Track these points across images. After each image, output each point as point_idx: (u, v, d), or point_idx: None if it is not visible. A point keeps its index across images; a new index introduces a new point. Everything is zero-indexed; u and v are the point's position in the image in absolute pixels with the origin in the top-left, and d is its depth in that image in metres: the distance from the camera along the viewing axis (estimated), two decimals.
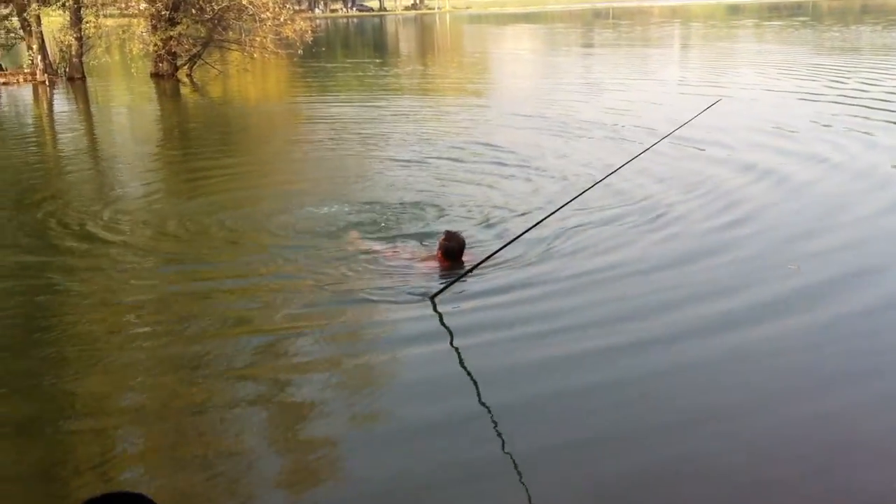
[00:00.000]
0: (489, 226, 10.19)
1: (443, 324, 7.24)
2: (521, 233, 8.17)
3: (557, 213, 8.57)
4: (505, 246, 8.10)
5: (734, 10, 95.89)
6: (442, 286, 7.64)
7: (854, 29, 52.56)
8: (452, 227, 9.28)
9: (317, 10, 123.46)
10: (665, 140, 10.55)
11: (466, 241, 8.61)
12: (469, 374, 6.39)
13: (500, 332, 7.01)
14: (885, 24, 54.47)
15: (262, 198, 12.21)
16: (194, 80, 32.43)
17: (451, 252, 8.32)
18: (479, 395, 6.05)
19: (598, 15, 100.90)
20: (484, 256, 8.14)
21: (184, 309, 7.76)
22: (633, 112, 19.46)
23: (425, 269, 8.42)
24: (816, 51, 37.42)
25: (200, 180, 13.85)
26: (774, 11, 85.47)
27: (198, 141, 19.73)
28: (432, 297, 7.56)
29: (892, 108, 18.31)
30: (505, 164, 13.89)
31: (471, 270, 7.92)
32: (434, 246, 8.76)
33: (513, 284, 8.01)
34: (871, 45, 38.60)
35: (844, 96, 20.46)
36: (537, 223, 8.24)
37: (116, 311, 7.81)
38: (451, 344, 6.90)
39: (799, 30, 54.34)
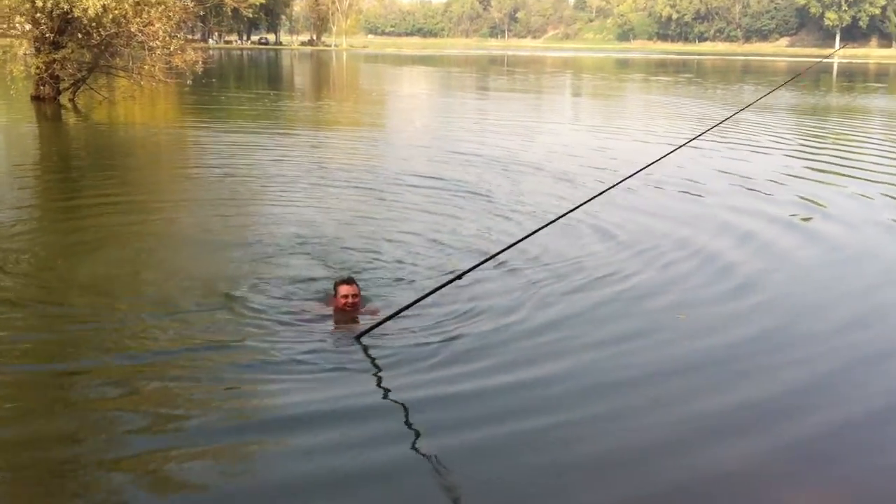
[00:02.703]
0: (379, 268, 9.86)
1: (373, 362, 7.15)
2: (440, 285, 7.75)
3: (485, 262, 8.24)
4: (427, 295, 7.68)
5: (622, 65, 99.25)
6: (368, 327, 7.48)
7: (737, 87, 54.87)
8: (346, 268, 9.13)
9: (210, 41, 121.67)
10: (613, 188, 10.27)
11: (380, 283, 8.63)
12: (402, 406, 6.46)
13: (428, 367, 7.05)
14: (766, 83, 57.15)
15: (144, 233, 11.54)
16: (77, 105, 31.15)
17: (351, 305, 7.98)
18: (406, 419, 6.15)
19: (494, 61, 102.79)
20: (397, 305, 7.81)
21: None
22: (552, 158, 19.52)
23: (325, 316, 8.06)
24: (709, 104, 38.79)
25: (74, 211, 13.07)
26: (661, 68, 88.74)
27: (76, 169, 18.75)
28: (357, 337, 7.46)
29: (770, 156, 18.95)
30: (390, 199, 13.84)
31: (399, 312, 7.51)
32: (328, 292, 8.43)
33: (436, 326, 7.91)
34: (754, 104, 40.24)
35: (754, 147, 21.13)
36: (457, 276, 7.67)
37: None
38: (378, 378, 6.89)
39: (685, 85, 56.40)
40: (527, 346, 7.67)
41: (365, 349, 7.32)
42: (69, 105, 30.86)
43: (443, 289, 7.64)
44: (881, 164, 19.76)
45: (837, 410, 6.70)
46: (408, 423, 6.18)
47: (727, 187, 16.27)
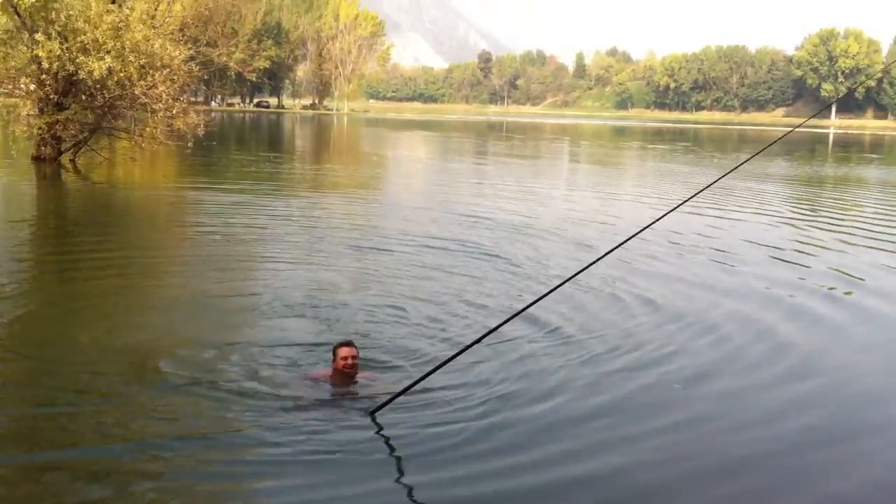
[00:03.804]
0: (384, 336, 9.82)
1: (386, 441, 7.00)
2: (457, 352, 7.64)
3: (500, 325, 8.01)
4: (445, 363, 7.54)
5: (620, 132, 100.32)
6: (383, 402, 7.36)
7: (733, 155, 55.37)
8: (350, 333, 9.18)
9: (213, 104, 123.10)
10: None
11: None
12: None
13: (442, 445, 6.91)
14: (763, 153, 57.71)
15: (140, 297, 11.62)
16: (78, 165, 31.35)
17: (350, 367, 8.00)
18: None
19: (493, 127, 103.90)
20: (414, 376, 7.75)
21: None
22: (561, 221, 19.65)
23: (324, 383, 8.05)
24: (708, 171, 39.13)
25: (69, 272, 13.10)
26: (658, 136, 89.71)
27: (73, 228, 18.86)
28: (372, 413, 7.33)
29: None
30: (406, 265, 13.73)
31: (413, 385, 7.40)
32: (327, 359, 8.37)
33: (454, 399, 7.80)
34: (748, 172, 40.55)
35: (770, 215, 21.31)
36: (475, 342, 7.67)
37: None
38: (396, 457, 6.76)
39: (683, 153, 56.96)
40: (557, 431, 7.42)
41: (379, 428, 7.18)
42: (69, 165, 31.05)
43: (460, 356, 7.50)
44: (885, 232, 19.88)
45: None
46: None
47: (753, 254, 16.52)
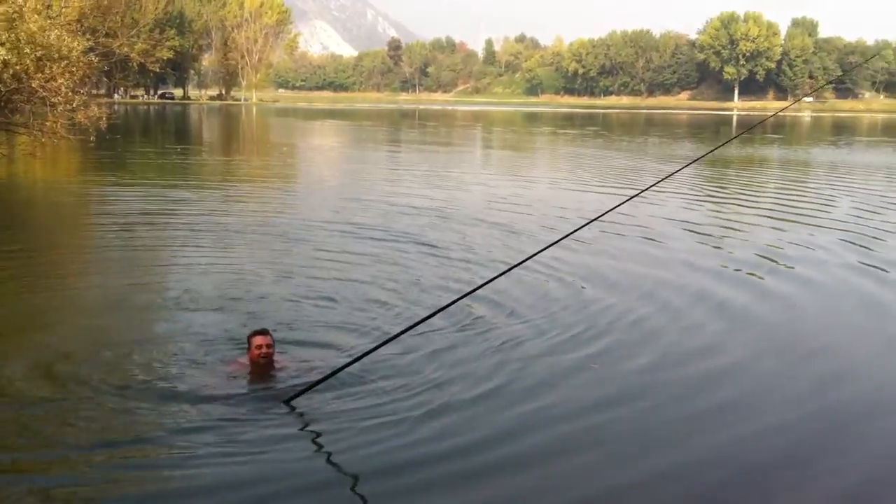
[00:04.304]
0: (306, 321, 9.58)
1: (304, 429, 6.84)
2: (377, 344, 7.54)
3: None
4: (365, 354, 7.41)
5: (531, 118, 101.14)
6: (299, 390, 7.20)
7: (641, 139, 56.35)
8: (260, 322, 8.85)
9: (116, 96, 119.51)
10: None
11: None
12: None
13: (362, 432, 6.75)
14: (668, 136, 58.97)
15: (46, 296, 10.94)
16: None
17: (265, 355, 7.83)
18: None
19: (405, 115, 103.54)
20: (338, 362, 7.65)
21: None
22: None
23: (241, 374, 7.83)
24: (619, 155, 39.67)
25: None
26: (568, 121, 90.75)
27: None
28: (287, 401, 7.15)
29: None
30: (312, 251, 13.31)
31: (332, 375, 7.26)
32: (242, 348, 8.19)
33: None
34: (656, 155, 41.25)
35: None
36: (394, 336, 7.59)
37: None
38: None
39: (593, 138, 57.68)
40: (473, 409, 7.37)
41: (296, 414, 7.02)
42: None
43: (381, 348, 7.39)
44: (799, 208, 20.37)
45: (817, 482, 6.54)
46: (345, 494, 5.91)
47: (680, 235, 16.63)
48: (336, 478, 6.11)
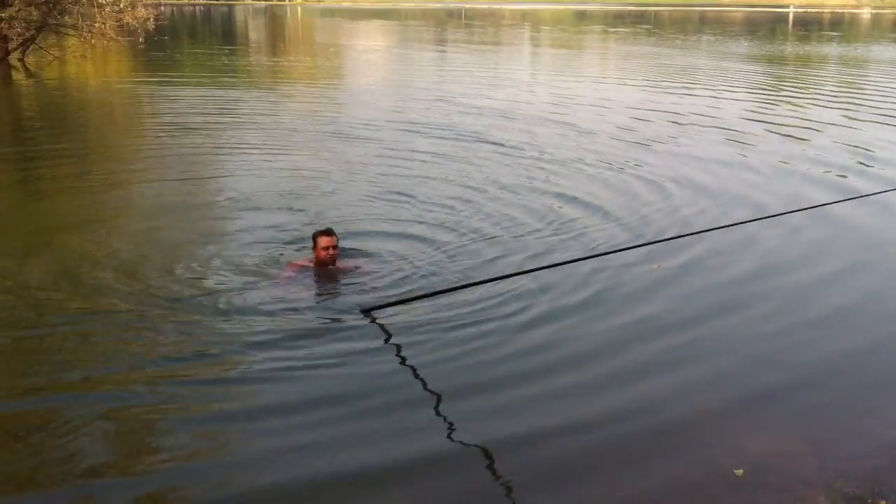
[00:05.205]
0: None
1: (380, 332, 6.48)
2: (472, 282, 7.17)
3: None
4: (455, 289, 7.02)
5: (581, 17, 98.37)
6: (384, 303, 6.83)
7: (695, 38, 54.41)
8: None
9: None
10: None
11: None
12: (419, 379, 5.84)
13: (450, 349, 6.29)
14: (723, 34, 56.89)
15: (109, 201, 10.66)
16: (27, 65, 29.68)
17: (331, 256, 7.55)
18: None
19: (451, 14, 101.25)
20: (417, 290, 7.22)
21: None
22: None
23: (308, 273, 7.54)
24: (676, 53, 38.34)
25: (32, 180, 12.10)
26: (619, 19, 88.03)
27: (29, 132, 17.62)
28: (366, 311, 6.76)
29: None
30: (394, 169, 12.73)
31: (417, 298, 6.89)
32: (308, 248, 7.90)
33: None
34: (711, 52, 39.81)
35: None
36: (495, 279, 7.21)
37: None
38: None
39: (645, 36, 55.85)
40: (564, 322, 6.87)
41: (379, 325, 6.61)
42: (19, 66, 29.40)
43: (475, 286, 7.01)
44: None
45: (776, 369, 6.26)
46: (433, 412, 5.49)
47: (765, 135, 15.84)
48: (422, 396, 5.68)
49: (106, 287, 7.28)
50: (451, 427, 5.27)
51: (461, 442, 5.11)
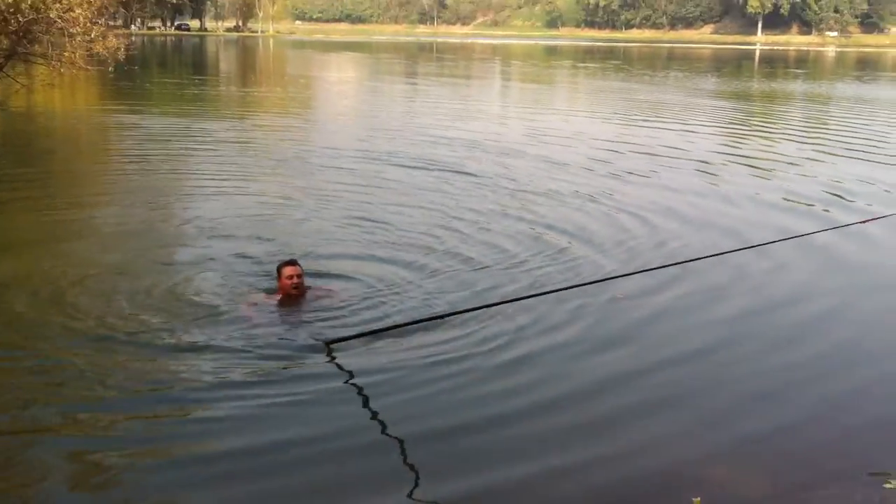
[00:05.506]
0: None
1: (342, 369, 6.23)
2: (443, 314, 7.09)
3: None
4: (422, 321, 6.87)
5: (551, 51, 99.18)
6: (346, 336, 6.61)
7: (662, 73, 54.96)
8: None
9: (133, 27, 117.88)
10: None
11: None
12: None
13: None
14: (691, 70, 57.54)
15: (67, 229, 10.36)
16: None
17: (296, 286, 7.39)
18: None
19: (423, 48, 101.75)
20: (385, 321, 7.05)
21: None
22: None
23: (272, 307, 7.32)
24: (642, 88, 38.65)
25: None
26: (589, 54, 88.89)
27: None
28: (328, 343, 6.52)
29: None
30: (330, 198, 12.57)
31: (381, 331, 6.72)
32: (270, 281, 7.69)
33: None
34: (679, 87, 40.18)
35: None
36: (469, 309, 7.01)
37: None
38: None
39: (614, 72, 56.36)
40: (541, 367, 6.53)
41: (338, 364, 6.33)
42: None
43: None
44: None
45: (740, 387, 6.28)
46: (396, 460, 5.15)
47: (738, 170, 15.85)
48: (382, 442, 5.35)
49: (54, 323, 6.92)
50: (415, 480, 4.92)
51: (421, 500, 4.74)
